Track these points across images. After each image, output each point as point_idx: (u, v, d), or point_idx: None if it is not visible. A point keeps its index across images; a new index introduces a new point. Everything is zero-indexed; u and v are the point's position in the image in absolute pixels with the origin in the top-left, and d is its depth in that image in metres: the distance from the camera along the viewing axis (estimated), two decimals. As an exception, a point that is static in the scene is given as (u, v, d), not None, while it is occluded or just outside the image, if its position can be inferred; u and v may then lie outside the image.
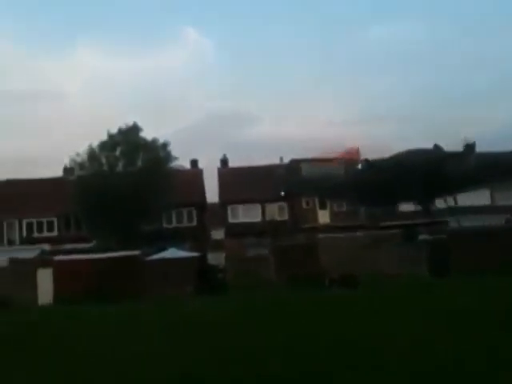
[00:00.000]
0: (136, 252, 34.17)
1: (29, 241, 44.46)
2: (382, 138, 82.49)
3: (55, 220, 47.12)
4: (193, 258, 35.49)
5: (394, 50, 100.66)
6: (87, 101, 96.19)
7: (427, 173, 37.75)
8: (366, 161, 42.36)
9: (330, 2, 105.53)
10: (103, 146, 44.25)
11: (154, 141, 44.69)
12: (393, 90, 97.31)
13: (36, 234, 46.25)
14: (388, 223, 39.39)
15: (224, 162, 52.32)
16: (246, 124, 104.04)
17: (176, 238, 41.84)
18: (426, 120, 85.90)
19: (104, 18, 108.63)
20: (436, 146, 41.26)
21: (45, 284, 33.85)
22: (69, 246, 40.52)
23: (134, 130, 44.45)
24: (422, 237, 33.73)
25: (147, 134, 45.01)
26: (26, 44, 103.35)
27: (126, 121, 45.28)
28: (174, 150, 45.14)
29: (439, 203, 42.54)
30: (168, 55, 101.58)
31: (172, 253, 35.45)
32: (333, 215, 45.04)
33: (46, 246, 40.99)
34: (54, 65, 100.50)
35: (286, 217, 45.59)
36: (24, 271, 32.92)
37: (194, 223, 47.41)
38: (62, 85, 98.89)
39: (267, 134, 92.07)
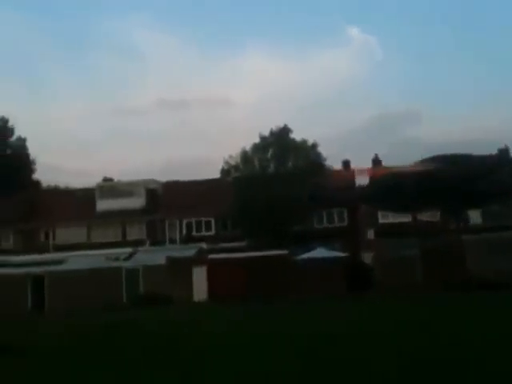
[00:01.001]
0: (284, 251, 35.17)
1: (188, 240, 46.76)
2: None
3: (212, 220, 49.24)
4: (340, 257, 35.89)
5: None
6: (249, 104, 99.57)
7: (452, 182, 35.62)
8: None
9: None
10: (256, 148, 45.69)
11: (304, 142, 45.50)
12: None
13: (195, 233, 48.61)
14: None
15: (375, 161, 51.73)
16: (406, 123, 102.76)
17: (326, 238, 42.22)
18: None
19: (267, 23, 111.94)
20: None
21: (200, 281, 35.74)
22: (224, 245, 42.20)
23: (285, 131, 45.52)
24: None
25: (307, 135, 45.62)
26: (195, 55, 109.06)
27: (286, 122, 46.72)
28: (328, 150, 45.64)
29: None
30: (329, 56, 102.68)
31: (320, 252, 36.06)
32: (485, 215, 43.16)
33: (204, 245, 42.77)
34: (222, 70, 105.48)
35: (437, 217, 44.41)
36: (180, 269, 34.93)
37: (345, 223, 47.46)
38: (226, 90, 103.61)
39: (427, 134, 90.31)
